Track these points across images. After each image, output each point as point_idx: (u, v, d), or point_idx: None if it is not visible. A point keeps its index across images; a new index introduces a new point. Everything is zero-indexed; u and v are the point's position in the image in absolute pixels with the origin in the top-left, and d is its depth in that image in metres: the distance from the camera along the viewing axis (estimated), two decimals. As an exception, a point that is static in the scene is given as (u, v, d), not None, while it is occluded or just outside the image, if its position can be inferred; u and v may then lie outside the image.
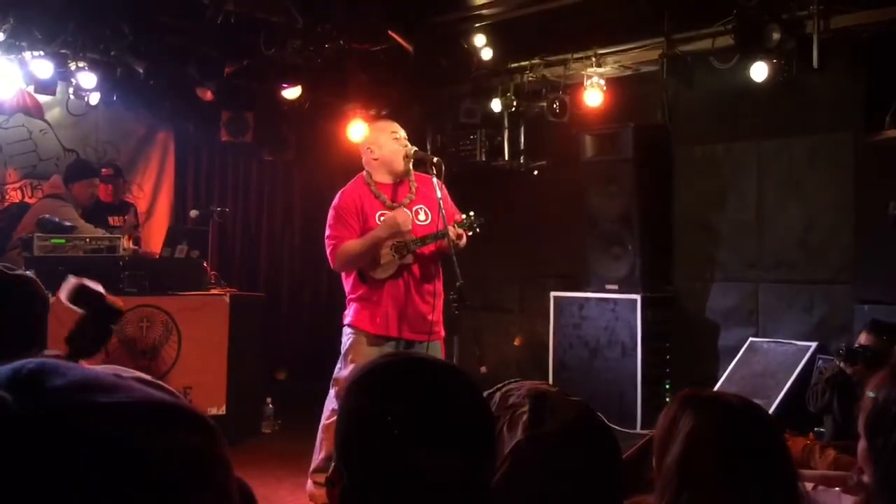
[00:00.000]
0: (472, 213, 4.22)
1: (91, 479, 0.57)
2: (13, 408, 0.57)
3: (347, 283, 4.31)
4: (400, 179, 4.30)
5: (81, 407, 0.59)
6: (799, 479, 1.72)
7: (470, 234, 4.18)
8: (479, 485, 1.17)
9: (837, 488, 2.30)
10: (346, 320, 4.29)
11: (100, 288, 2.55)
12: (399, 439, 1.13)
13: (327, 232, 4.25)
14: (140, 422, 0.61)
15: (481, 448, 1.18)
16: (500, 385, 1.46)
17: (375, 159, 4.28)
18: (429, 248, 4.18)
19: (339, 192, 4.32)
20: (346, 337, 4.28)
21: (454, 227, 4.11)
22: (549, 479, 1.36)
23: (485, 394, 1.43)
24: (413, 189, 4.29)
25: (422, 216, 4.25)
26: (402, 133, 4.32)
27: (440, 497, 1.14)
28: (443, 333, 4.33)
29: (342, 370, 4.26)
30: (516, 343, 6.93)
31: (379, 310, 4.16)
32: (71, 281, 2.50)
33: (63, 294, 2.46)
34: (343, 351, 4.29)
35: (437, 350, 4.23)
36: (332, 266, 4.29)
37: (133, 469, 0.58)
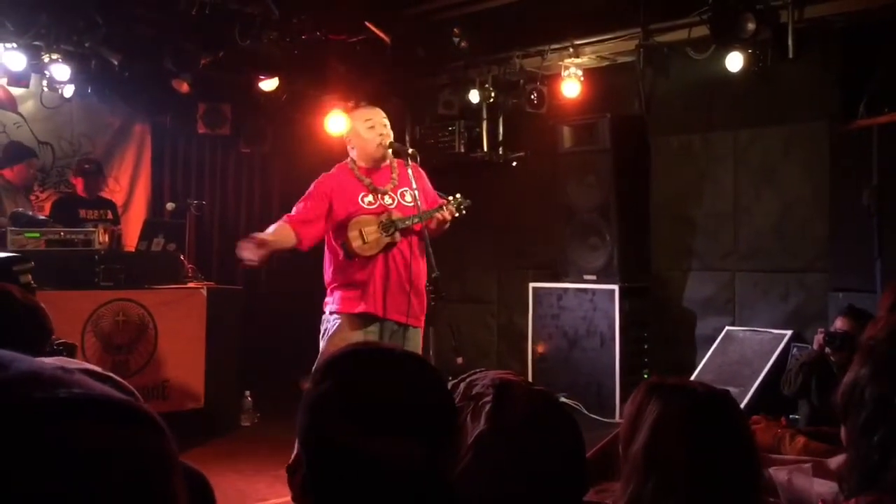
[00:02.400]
0: (458, 195, 4.26)
1: (33, 476, 0.56)
2: None
3: (330, 269, 4.32)
4: (379, 165, 4.32)
5: (24, 401, 0.58)
6: (763, 464, 1.74)
7: (457, 215, 4.21)
8: (438, 473, 1.18)
9: (808, 468, 2.32)
10: (329, 308, 4.28)
11: None
12: (359, 426, 1.13)
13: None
14: (83, 417, 0.59)
15: (441, 436, 1.19)
16: (464, 375, 1.46)
17: (353, 148, 4.34)
18: (415, 227, 4.21)
19: (323, 174, 4.38)
20: (330, 323, 4.25)
21: (445, 206, 4.17)
22: (512, 468, 1.36)
23: (449, 384, 1.43)
24: (395, 173, 4.33)
25: (408, 197, 4.27)
26: (380, 118, 4.33)
27: (400, 485, 1.15)
28: (422, 322, 4.34)
29: (323, 356, 4.26)
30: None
31: (365, 290, 4.16)
32: None
33: None
34: (326, 337, 4.26)
35: (418, 336, 4.25)
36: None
37: (75, 467, 0.57)
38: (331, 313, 4.27)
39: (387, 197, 4.24)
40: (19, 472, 0.55)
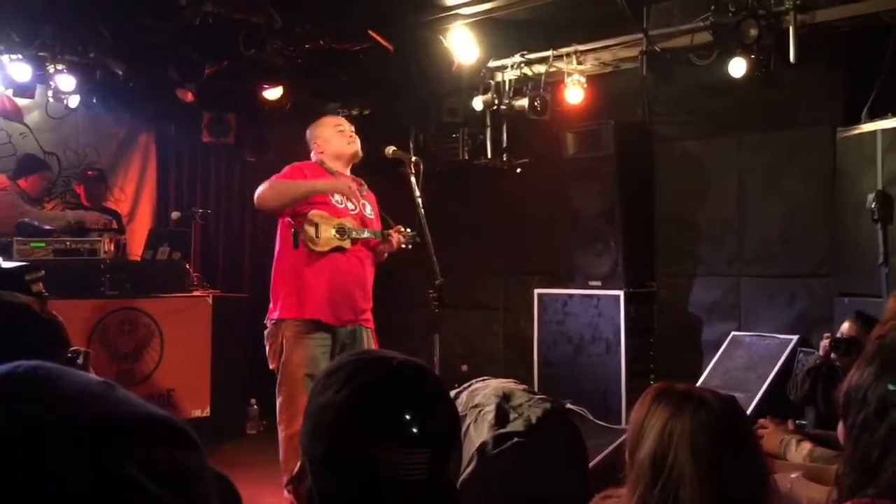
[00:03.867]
0: (409, 230, 4.38)
1: (77, 492, 0.57)
2: None
3: (276, 273, 4.32)
4: (348, 167, 4.41)
5: (70, 419, 0.59)
6: (770, 471, 1.74)
7: (404, 246, 4.34)
8: (444, 482, 1.18)
9: (800, 473, 2.32)
10: (273, 315, 4.24)
11: None
12: (363, 435, 1.14)
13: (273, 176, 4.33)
14: (125, 435, 0.60)
15: (446, 445, 1.19)
16: (466, 384, 1.46)
17: (322, 152, 4.43)
18: (369, 242, 4.31)
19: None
20: (275, 335, 4.21)
21: (398, 234, 4.32)
22: (515, 476, 1.36)
23: (452, 393, 1.43)
24: (364, 186, 4.44)
25: (368, 210, 4.38)
26: (347, 126, 4.49)
27: (405, 494, 1.15)
28: (372, 323, 4.36)
29: (281, 373, 4.23)
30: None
31: (309, 294, 4.15)
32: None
33: None
34: (273, 350, 4.22)
35: (367, 336, 4.26)
36: (255, 199, 4.28)
37: (119, 483, 0.58)
38: (277, 320, 4.21)
39: (354, 200, 4.31)
40: (69, 487, 0.56)
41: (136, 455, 0.60)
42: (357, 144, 4.41)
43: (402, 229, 4.38)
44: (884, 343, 1.67)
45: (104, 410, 0.61)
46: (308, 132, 4.59)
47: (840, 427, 1.69)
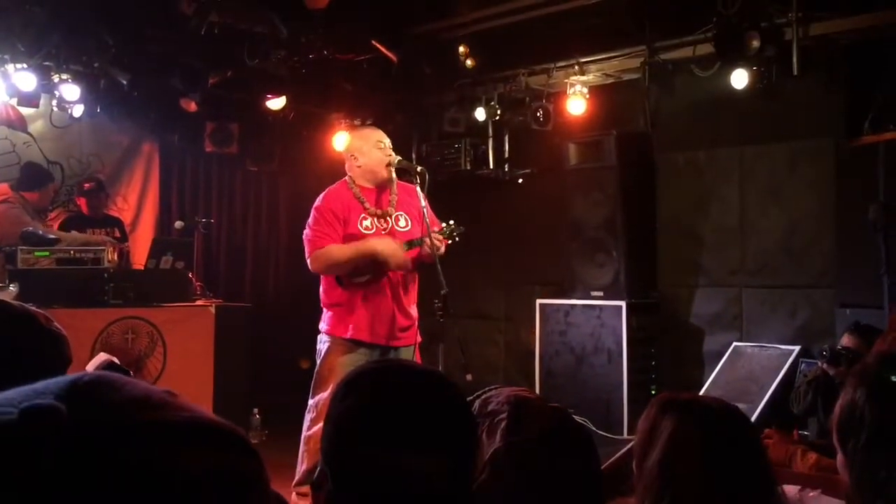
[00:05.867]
0: (451, 222, 4.26)
1: (138, 496, 0.58)
2: (68, 419, 0.58)
3: (323, 288, 4.33)
4: (382, 187, 4.32)
5: (134, 423, 0.61)
6: (777, 481, 1.75)
7: (449, 242, 4.21)
8: (460, 489, 1.19)
9: (818, 491, 2.32)
10: (322, 327, 4.30)
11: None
12: (384, 441, 1.15)
13: (307, 233, 4.26)
14: (188, 441, 0.62)
15: (465, 451, 1.20)
16: (480, 392, 1.47)
17: (359, 167, 4.31)
18: (408, 255, 4.20)
19: (322, 194, 4.34)
20: (322, 344, 4.29)
21: (434, 235, 4.14)
22: (527, 485, 1.37)
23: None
24: (395, 196, 4.32)
25: (402, 222, 4.29)
26: (387, 142, 4.35)
27: (425, 499, 1.16)
28: (418, 339, 4.34)
29: (318, 378, 4.27)
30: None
31: (353, 315, 4.17)
32: (101, 357, 2.47)
33: (91, 369, 2.42)
34: (319, 359, 4.30)
35: (411, 355, 4.25)
36: (309, 267, 4.30)
37: (179, 488, 0.60)
38: (324, 333, 4.29)
39: (383, 221, 4.25)
40: (136, 490, 0.58)
41: (199, 460, 0.61)
42: (393, 169, 4.27)
43: (443, 226, 4.24)
44: (868, 363, 1.69)
45: (169, 416, 0.62)
46: (346, 140, 4.55)
47: (839, 458, 1.71)
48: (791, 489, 2.52)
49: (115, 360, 2.42)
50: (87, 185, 6.81)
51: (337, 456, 1.19)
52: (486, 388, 1.48)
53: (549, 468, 1.39)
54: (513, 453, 1.37)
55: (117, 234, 6.85)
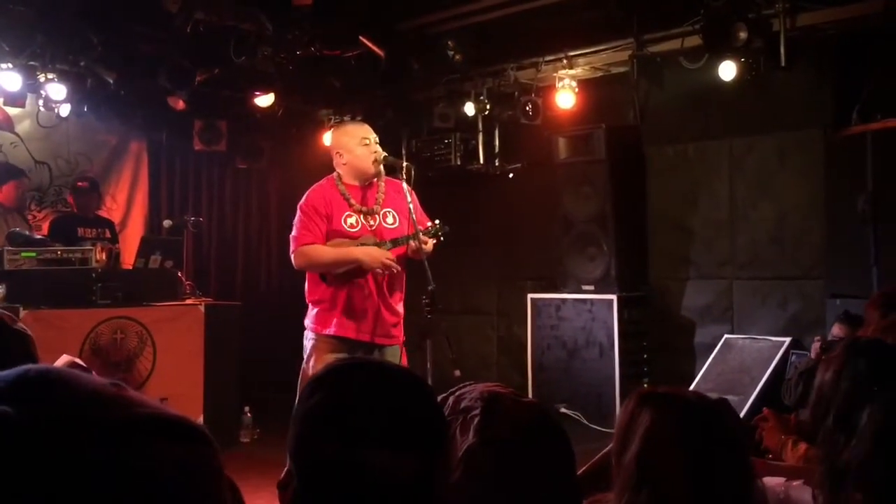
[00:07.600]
0: (437, 221, 4.24)
1: (91, 492, 0.58)
2: (14, 418, 0.58)
3: (307, 284, 4.31)
4: (369, 183, 4.30)
5: (83, 419, 0.60)
6: (756, 473, 1.74)
7: (435, 241, 4.20)
8: (430, 487, 1.18)
9: (801, 481, 2.32)
10: (307, 323, 4.29)
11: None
12: (350, 440, 1.13)
13: (293, 232, 4.25)
14: (140, 434, 0.61)
15: (434, 449, 1.19)
16: (453, 388, 1.46)
17: (345, 164, 4.27)
18: (394, 252, 4.19)
19: (308, 192, 4.32)
20: (307, 341, 4.27)
21: (420, 234, 4.12)
22: (501, 481, 1.36)
23: (439, 398, 1.43)
24: (382, 193, 4.29)
25: (389, 219, 4.25)
26: (373, 137, 4.31)
27: (391, 499, 1.15)
28: (402, 338, 4.32)
29: (304, 377, 4.26)
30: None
31: (337, 312, 4.15)
32: (64, 359, 2.46)
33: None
34: (305, 355, 4.29)
35: (396, 354, 4.23)
36: (293, 263, 4.28)
37: (132, 482, 0.59)
38: (309, 329, 4.27)
39: (369, 218, 4.23)
40: (88, 486, 0.57)
41: (155, 453, 0.61)
42: (380, 165, 4.23)
43: (429, 225, 4.20)
44: (837, 350, 1.74)
45: (121, 410, 0.62)
46: (331, 137, 4.52)
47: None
48: (777, 481, 2.51)
49: (80, 361, 2.40)
50: (80, 183, 6.78)
51: (302, 454, 1.18)
52: (460, 385, 1.47)
53: (523, 463, 1.38)
54: (486, 449, 1.36)
55: (108, 234, 6.82)
